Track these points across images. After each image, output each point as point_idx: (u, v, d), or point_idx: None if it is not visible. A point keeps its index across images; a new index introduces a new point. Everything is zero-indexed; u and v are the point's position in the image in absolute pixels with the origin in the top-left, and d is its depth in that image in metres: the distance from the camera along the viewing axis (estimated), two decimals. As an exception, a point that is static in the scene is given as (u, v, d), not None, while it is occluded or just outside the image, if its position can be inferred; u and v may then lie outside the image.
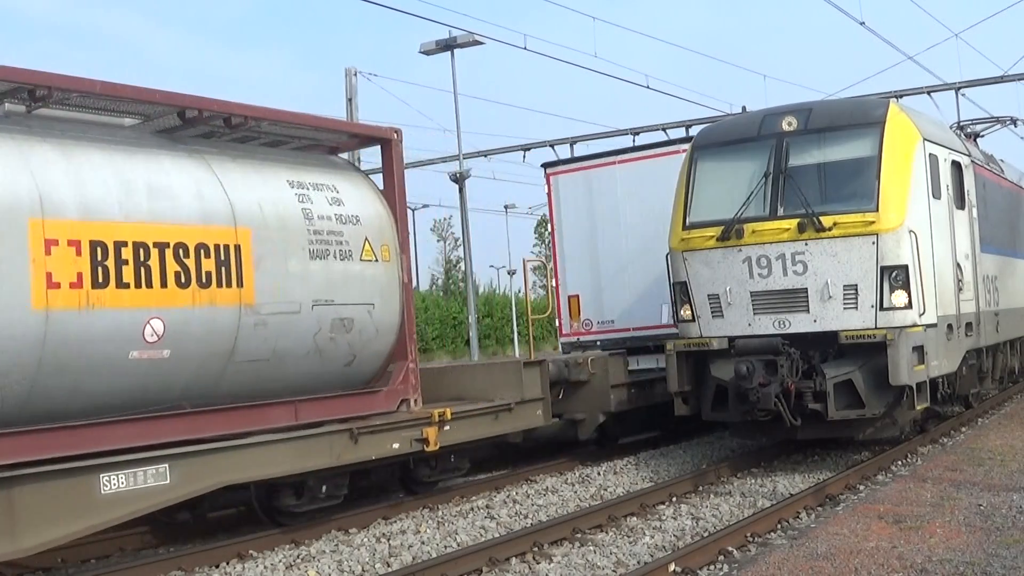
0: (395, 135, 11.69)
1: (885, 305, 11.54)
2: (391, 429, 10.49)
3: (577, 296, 16.37)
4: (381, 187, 11.68)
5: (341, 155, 12.12)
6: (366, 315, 10.73)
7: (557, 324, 16.79)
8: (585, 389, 13.88)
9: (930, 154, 12.50)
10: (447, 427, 11.01)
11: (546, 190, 16.85)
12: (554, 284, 16.80)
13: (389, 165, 11.71)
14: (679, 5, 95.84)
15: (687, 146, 13.55)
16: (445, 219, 78.50)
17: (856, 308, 11.63)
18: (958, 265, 13.15)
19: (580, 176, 16.46)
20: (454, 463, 11.72)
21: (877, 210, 11.59)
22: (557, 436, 14.66)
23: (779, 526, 9.43)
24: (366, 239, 10.85)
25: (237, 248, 9.44)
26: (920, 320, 11.65)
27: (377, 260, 10.98)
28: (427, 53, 25.28)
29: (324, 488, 10.09)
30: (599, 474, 12.98)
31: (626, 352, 15.07)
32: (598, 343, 15.96)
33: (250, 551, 9.31)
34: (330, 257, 10.40)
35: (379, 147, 11.91)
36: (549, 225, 17.17)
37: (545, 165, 17.13)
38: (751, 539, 8.95)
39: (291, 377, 10.09)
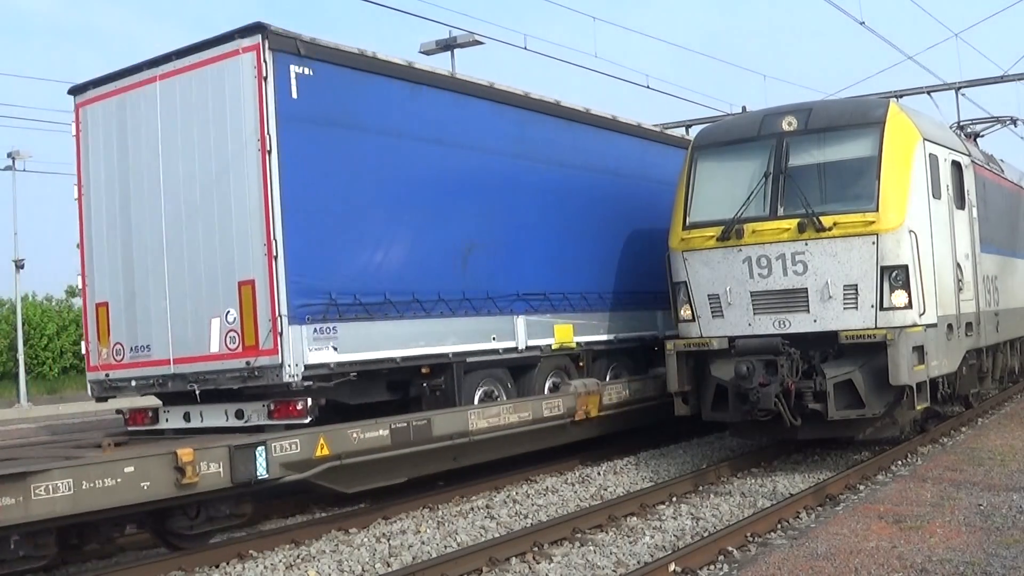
0: None
1: (885, 305, 11.54)
2: None
3: (106, 305, 11.05)
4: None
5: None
6: None
7: (85, 351, 11.40)
8: None
9: (930, 154, 12.50)
10: None
11: (73, 131, 11.34)
12: (81, 285, 11.48)
13: None
14: (679, 5, 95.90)
15: (264, 50, 9.83)
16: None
17: (856, 308, 11.63)
18: (958, 265, 13.15)
19: (114, 104, 10.97)
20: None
21: (877, 210, 11.59)
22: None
23: (779, 526, 9.43)
24: None
25: None
26: (920, 320, 11.65)
27: None
28: (427, 53, 25.26)
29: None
30: (599, 474, 12.98)
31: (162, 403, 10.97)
32: (133, 383, 10.82)
33: (250, 551, 9.31)
34: None
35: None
36: (76, 189, 11.39)
37: (73, 91, 11.36)
38: (751, 539, 8.95)
39: None
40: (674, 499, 11.08)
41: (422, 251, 11.51)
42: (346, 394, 10.72)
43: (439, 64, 19.49)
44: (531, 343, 13.00)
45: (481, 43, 24.49)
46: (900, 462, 12.22)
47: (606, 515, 10.07)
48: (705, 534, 9.32)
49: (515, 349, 12.80)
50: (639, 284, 15.25)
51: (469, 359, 12.04)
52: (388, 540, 9.65)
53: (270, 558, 9.14)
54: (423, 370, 11.60)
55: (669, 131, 19.21)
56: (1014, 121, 20.23)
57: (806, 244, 11.79)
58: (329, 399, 10.42)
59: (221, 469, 8.84)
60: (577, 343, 13.87)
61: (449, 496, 11.62)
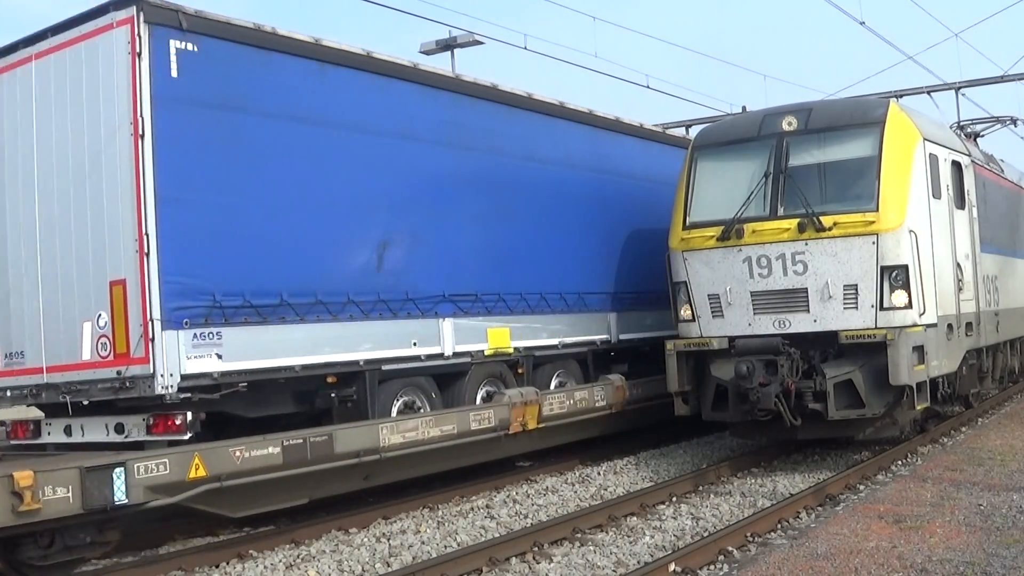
0: None
1: (885, 305, 11.54)
2: None
3: None
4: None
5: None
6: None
7: None
8: None
9: (930, 154, 12.50)
10: None
11: None
12: None
13: None
14: (679, 5, 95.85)
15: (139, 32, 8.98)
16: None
17: (856, 308, 11.63)
18: (958, 265, 13.15)
19: None
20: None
21: (877, 210, 11.59)
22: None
23: (779, 526, 9.43)
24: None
25: None
26: (920, 320, 11.65)
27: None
28: (427, 53, 25.22)
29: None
30: (599, 474, 12.98)
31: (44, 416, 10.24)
32: (8, 393, 10.06)
33: (250, 551, 9.31)
34: None
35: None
36: None
37: None
38: (751, 539, 8.95)
39: None
40: (674, 499, 11.07)
41: (328, 247, 10.46)
42: (241, 406, 9.80)
43: (439, 64, 19.38)
44: (460, 348, 11.96)
45: (481, 43, 24.43)
46: (900, 462, 12.22)
47: (606, 515, 10.07)
48: (705, 534, 9.32)
49: (440, 355, 11.72)
50: (590, 284, 14.37)
51: (385, 367, 10.98)
52: (388, 540, 9.65)
53: (270, 558, 9.13)
54: (328, 379, 10.58)
55: (669, 131, 19.15)
56: (1014, 121, 20.22)
57: (806, 244, 11.79)
58: (221, 412, 9.53)
59: (71, 494, 7.77)
60: (515, 348, 12.82)
61: (449, 496, 11.61)
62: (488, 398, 12.38)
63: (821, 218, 11.72)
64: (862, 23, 20.55)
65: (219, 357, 9.28)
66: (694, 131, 20.15)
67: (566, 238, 13.98)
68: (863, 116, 12.23)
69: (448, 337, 11.84)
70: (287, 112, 10.17)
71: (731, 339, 12.21)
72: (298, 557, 9.15)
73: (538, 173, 13.62)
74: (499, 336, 12.62)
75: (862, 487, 10.96)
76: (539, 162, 13.67)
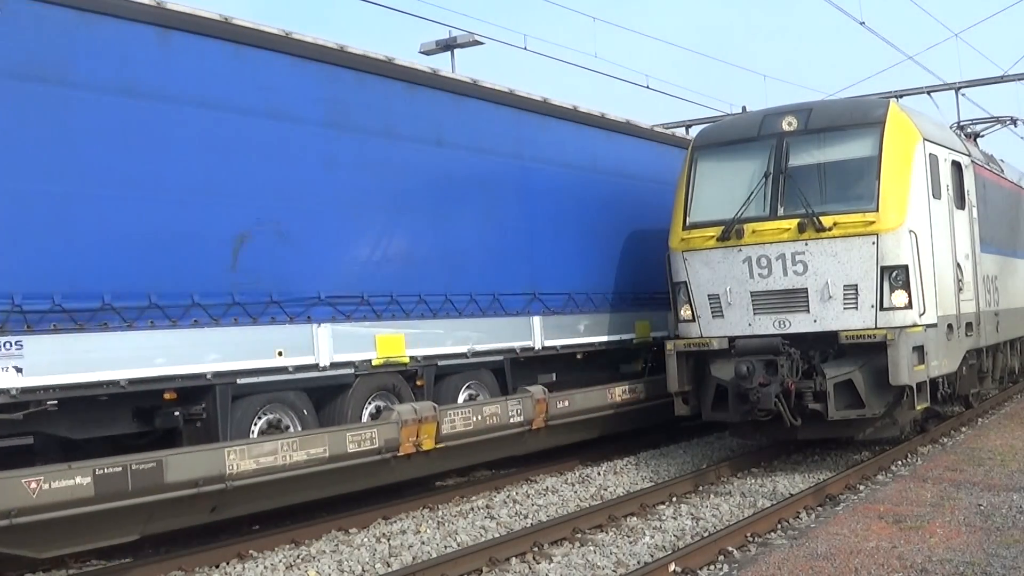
0: None
1: (885, 305, 11.55)
2: None
3: None
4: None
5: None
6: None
7: None
8: None
9: (930, 154, 12.50)
10: None
11: None
12: None
13: None
14: (679, 5, 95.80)
15: None
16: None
17: (856, 308, 11.63)
18: (958, 265, 13.16)
19: None
20: None
21: (877, 210, 11.60)
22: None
23: (779, 526, 9.43)
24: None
25: None
26: (920, 320, 11.66)
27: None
28: (427, 53, 25.24)
29: None
30: (599, 474, 12.98)
31: None
32: None
33: (250, 551, 9.31)
34: None
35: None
36: None
37: None
38: (751, 539, 8.95)
39: None
40: (674, 499, 11.07)
41: (167, 242, 9.09)
42: (65, 427, 8.62)
43: (439, 64, 19.31)
44: (340, 358, 10.54)
45: (481, 43, 24.45)
46: (900, 462, 12.22)
47: (606, 515, 10.07)
48: (705, 534, 9.32)
49: (315, 366, 10.31)
50: (509, 284, 12.83)
51: (241, 380, 9.61)
52: (388, 540, 9.65)
53: (270, 558, 9.13)
54: (166, 395, 9.25)
55: (671, 131, 19.07)
56: (1014, 121, 20.22)
57: (806, 244, 11.79)
58: (36, 433, 8.39)
59: None
60: (411, 357, 11.38)
61: (449, 496, 11.61)
62: (378, 415, 11.00)
63: (821, 218, 11.73)
64: (862, 23, 20.58)
65: (19, 371, 8.01)
66: (694, 131, 20.15)
67: (478, 232, 12.51)
68: (863, 116, 12.23)
69: (324, 345, 10.41)
70: (117, 85, 8.83)
71: (731, 339, 12.22)
72: (298, 557, 9.14)
73: (446, 159, 12.12)
74: (391, 343, 11.16)
75: (862, 487, 10.96)
76: (447, 147, 12.15)
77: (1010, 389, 18.53)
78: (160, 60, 9.17)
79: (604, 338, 14.66)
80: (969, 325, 13.51)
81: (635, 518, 10.19)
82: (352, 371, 10.75)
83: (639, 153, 16.09)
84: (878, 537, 8.10)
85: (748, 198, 12.22)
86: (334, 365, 10.52)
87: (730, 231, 12.20)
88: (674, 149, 16.80)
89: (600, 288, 14.69)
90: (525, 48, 19.26)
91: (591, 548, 8.99)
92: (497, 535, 9.65)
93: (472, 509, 11.02)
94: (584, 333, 14.22)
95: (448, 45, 24.88)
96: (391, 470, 10.71)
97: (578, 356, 14.24)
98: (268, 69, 10.12)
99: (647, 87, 32.66)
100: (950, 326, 12.66)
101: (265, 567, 8.85)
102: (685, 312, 12.73)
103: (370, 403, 11.10)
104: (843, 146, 12.14)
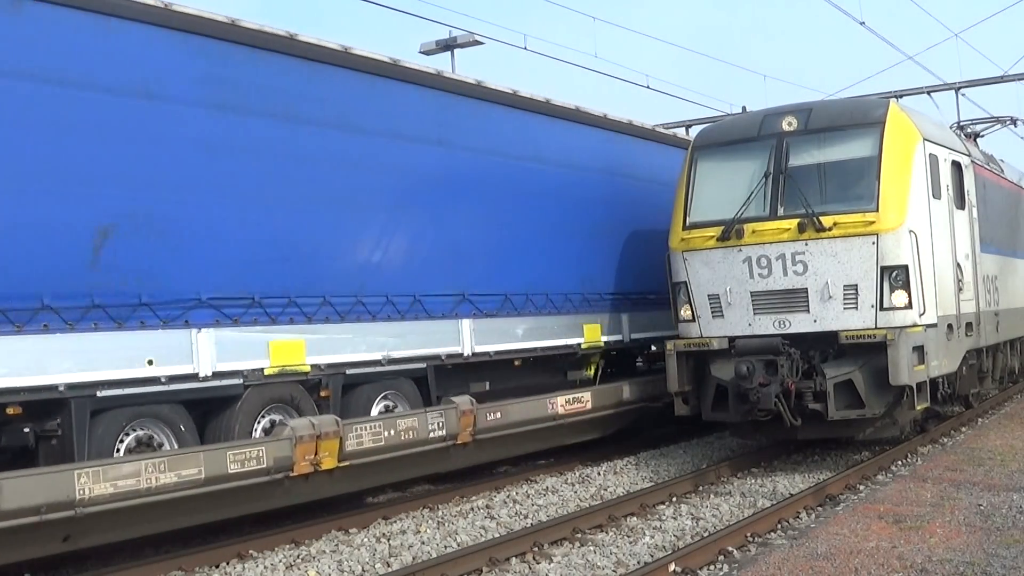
0: None
1: (885, 305, 11.55)
2: None
3: None
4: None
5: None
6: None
7: None
8: None
9: (930, 154, 12.51)
10: None
11: None
12: None
13: None
14: (679, 5, 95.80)
15: None
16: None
17: (856, 308, 11.64)
18: (958, 265, 13.16)
19: None
20: None
21: (877, 210, 11.61)
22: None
23: (779, 526, 9.43)
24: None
25: None
26: (920, 320, 11.66)
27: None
28: (427, 53, 25.24)
29: None
30: (599, 474, 12.98)
31: None
32: None
33: (250, 551, 9.31)
34: None
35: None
36: None
37: None
38: (751, 539, 8.95)
39: None
40: (674, 499, 11.08)
41: (8, 234, 8.05)
42: None
43: (439, 64, 19.25)
44: (226, 367, 9.46)
45: (481, 43, 24.45)
46: (900, 462, 12.22)
47: (606, 515, 10.07)
48: (705, 534, 9.32)
49: (194, 376, 9.22)
50: (432, 284, 11.67)
51: (102, 393, 8.56)
52: (388, 540, 9.65)
53: (270, 558, 9.13)
54: (9, 410, 8.15)
55: (670, 131, 19.02)
56: (1014, 121, 20.22)
57: (806, 244, 11.80)
58: None
59: None
60: (313, 366, 10.28)
61: (449, 496, 11.61)
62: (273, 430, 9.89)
63: (821, 218, 11.73)
64: (862, 23, 20.57)
65: None
66: (694, 131, 20.14)
67: (396, 226, 11.38)
68: (863, 116, 12.24)
69: (206, 353, 9.31)
70: None
71: (731, 339, 12.22)
72: (298, 557, 9.14)
73: (357, 145, 11.01)
74: (288, 350, 10.06)
75: (862, 487, 10.96)
76: (358, 132, 11.04)
77: (1010, 389, 18.53)
78: (10, 32, 8.15)
79: (546, 343, 13.39)
80: (969, 325, 13.51)
81: (635, 518, 10.19)
82: (240, 381, 9.64)
83: (588, 141, 14.76)
84: (878, 537, 8.10)
85: (748, 198, 12.22)
86: (218, 375, 9.43)
87: (730, 231, 12.20)
88: (625, 137, 15.64)
89: (542, 288, 13.38)
90: (525, 48, 19.28)
91: (591, 548, 8.99)
92: (497, 535, 9.65)
93: (472, 509, 11.01)
94: (523, 338, 13.01)
95: (448, 45, 24.89)
96: (286, 492, 9.53)
97: (516, 363, 13.04)
98: (140, 44, 9.04)
99: (647, 87, 32.61)
100: (950, 326, 12.66)
101: (265, 567, 8.85)
102: (685, 312, 12.73)
103: (264, 417, 9.98)
104: (843, 146, 12.15)
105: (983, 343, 14.35)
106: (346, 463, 9.85)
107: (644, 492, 11.18)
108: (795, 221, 11.87)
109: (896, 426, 12.39)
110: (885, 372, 11.36)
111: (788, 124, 12.32)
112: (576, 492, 11.83)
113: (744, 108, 21.60)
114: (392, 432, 10.35)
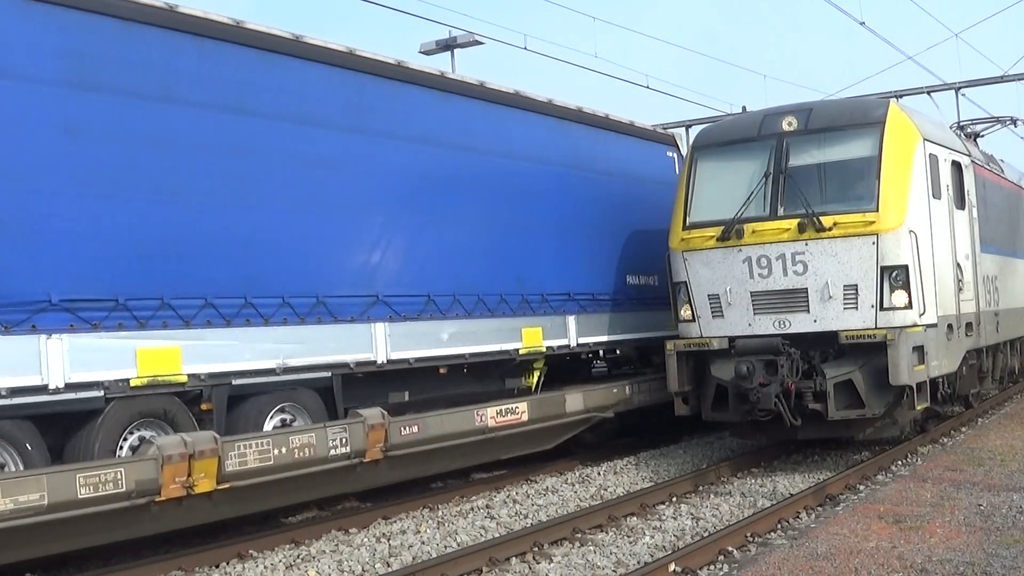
0: None
1: (885, 305, 11.55)
2: None
3: None
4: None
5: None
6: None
7: None
8: None
9: (930, 154, 12.51)
10: None
11: None
12: None
13: None
14: (679, 5, 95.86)
15: None
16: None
17: (856, 308, 11.64)
18: (958, 265, 13.16)
19: None
20: None
21: (877, 210, 11.61)
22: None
23: (779, 526, 9.43)
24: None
25: None
26: (920, 320, 11.66)
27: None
28: (427, 53, 25.24)
29: None
30: (599, 474, 12.98)
31: None
32: None
33: (250, 551, 9.31)
34: None
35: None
36: None
37: None
38: (751, 539, 8.95)
39: None
40: (674, 499, 11.08)
41: None
42: None
43: (439, 64, 19.26)
44: (82, 378, 8.31)
45: (481, 43, 24.46)
46: (900, 462, 12.22)
47: (606, 515, 10.07)
48: (705, 534, 9.33)
49: (43, 388, 8.06)
50: (340, 284, 10.50)
51: None
52: (388, 540, 9.65)
53: (270, 558, 9.13)
54: None
55: (670, 131, 18.97)
56: (1014, 121, 20.22)
57: (806, 244, 11.80)
58: None
59: None
60: (191, 375, 9.10)
61: (449, 496, 11.61)
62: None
63: (821, 218, 11.73)
64: (862, 23, 20.56)
65: None
66: (694, 131, 20.14)
67: (294, 220, 10.20)
68: (863, 116, 12.24)
69: (56, 362, 8.16)
70: None
71: (731, 339, 12.22)
72: (298, 557, 9.14)
73: (251, 130, 9.88)
74: (159, 359, 8.91)
75: (862, 487, 10.96)
76: (252, 115, 9.93)
77: (1010, 389, 18.53)
78: None
79: (478, 348, 12.08)
80: (969, 325, 13.52)
81: (635, 518, 10.19)
82: (101, 394, 8.46)
83: (534, 130, 13.67)
84: (878, 537, 8.10)
85: (748, 198, 12.22)
86: (72, 387, 8.26)
87: (730, 231, 12.20)
88: (580, 127, 14.50)
89: (473, 289, 12.06)
90: (525, 48, 19.26)
91: (591, 548, 9.00)
92: (497, 535, 9.65)
93: (472, 509, 11.02)
94: (449, 343, 11.70)
95: (448, 45, 24.89)
96: (154, 518, 8.41)
97: (441, 371, 11.80)
98: None
99: (647, 87, 32.67)
100: (950, 326, 12.66)
101: (265, 567, 8.85)
102: (685, 312, 12.73)
103: (131, 434, 8.81)
104: (843, 146, 12.15)
105: (983, 343, 14.35)
106: (226, 485, 8.69)
107: (644, 492, 11.18)
108: (795, 221, 11.87)
109: (896, 426, 12.40)
110: (885, 372, 11.36)
111: (788, 124, 12.32)
112: (576, 492, 11.84)
113: (744, 108, 21.54)
114: (283, 450, 9.15)
